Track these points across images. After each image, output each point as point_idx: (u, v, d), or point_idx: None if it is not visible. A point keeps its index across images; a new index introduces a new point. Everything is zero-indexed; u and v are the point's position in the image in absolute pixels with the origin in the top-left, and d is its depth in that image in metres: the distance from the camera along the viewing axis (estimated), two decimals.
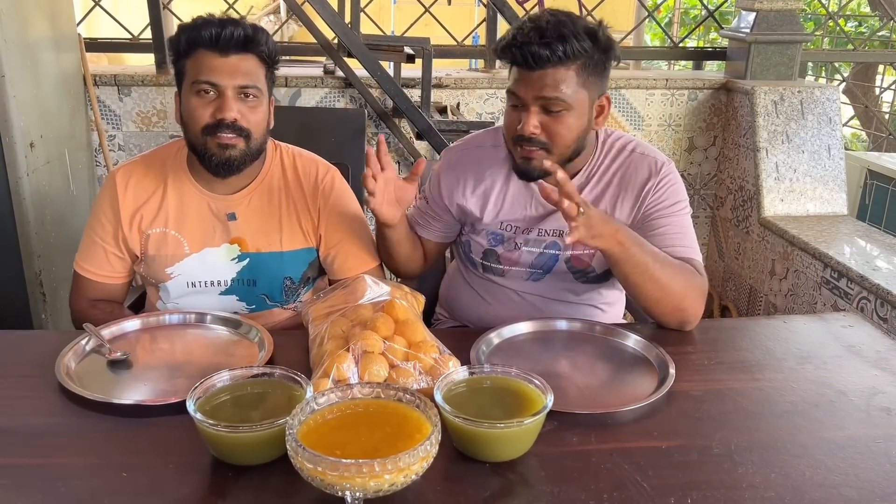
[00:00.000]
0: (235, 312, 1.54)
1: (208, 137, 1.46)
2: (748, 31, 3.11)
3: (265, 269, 1.60)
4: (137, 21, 3.12)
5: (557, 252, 1.58)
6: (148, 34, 3.00)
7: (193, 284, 1.59)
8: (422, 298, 1.37)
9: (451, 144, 1.78)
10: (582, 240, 1.31)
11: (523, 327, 1.44)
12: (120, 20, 3.17)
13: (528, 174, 1.50)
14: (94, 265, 1.60)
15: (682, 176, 3.29)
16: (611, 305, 1.70)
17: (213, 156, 1.47)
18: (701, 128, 3.25)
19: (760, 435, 1.09)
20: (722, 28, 3.48)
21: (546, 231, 1.58)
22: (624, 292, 1.74)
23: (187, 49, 1.46)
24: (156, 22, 2.85)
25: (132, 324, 1.43)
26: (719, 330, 1.51)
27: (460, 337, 1.35)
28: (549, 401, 1.01)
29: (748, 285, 3.05)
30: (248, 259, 1.59)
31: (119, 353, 1.30)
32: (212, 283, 1.60)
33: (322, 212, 1.62)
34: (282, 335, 1.38)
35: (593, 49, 1.41)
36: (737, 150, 3.12)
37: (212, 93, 1.44)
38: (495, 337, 1.38)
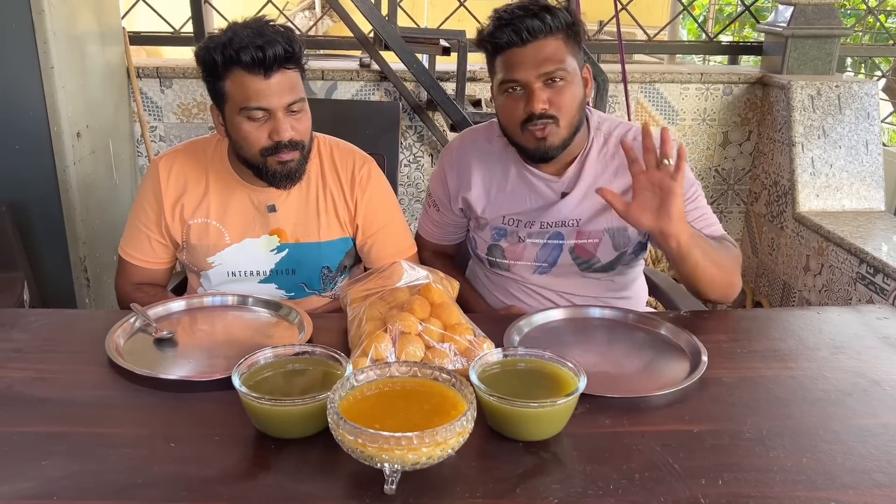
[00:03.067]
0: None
1: (268, 157, 1.48)
2: (785, 24, 3.08)
3: (303, 258, 1.64)
4: (175, 15, 3.19)
5: (561, 242, 1.59)
6: (188, 28, 3.06)
7: (234, 273, 1.64)
8: (456, 284, 1.39)
9: (447, 145, 1.80)
10: (664, 225, 1.34)
11: (556, 314, 1.46)
12: (161, 14, 3.25)
13: (544, 153, 1.50)
14: (139, 251, 1.65)
15: (715, 170, 3.29)
16: (626, 300, 1.69)
17: (275, 173, 1.50)
18: (736, 122, 3.23)
19: (792, 421, 1.09)
20: (758, 23, 3.45)
21: (548, 223, 1.58)
22: (644, 282, 1.76)
23: (224, 69, 1.42)
24: (197, 16, 2.91)
25: (177, 304, 1.48)
26: (752, 320, 1.51)
27: (494, 321, 1.37)
28: (581, 383, 1.03)
29: (782, 281, 3.03)
30: (286, 249, 1.63)
31: (165, 332, 1.35)
32: (252, 273, 1.64)
33: (359, 202, 1.65)
34: (320, 317, 1.42)
35: (569, 22, 1.45)
36: (772, 145, 3.10)
37: (262, 115, 1.44)
38: (528, 323, 1.40)
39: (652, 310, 1.81)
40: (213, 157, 1.62)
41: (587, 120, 1.58)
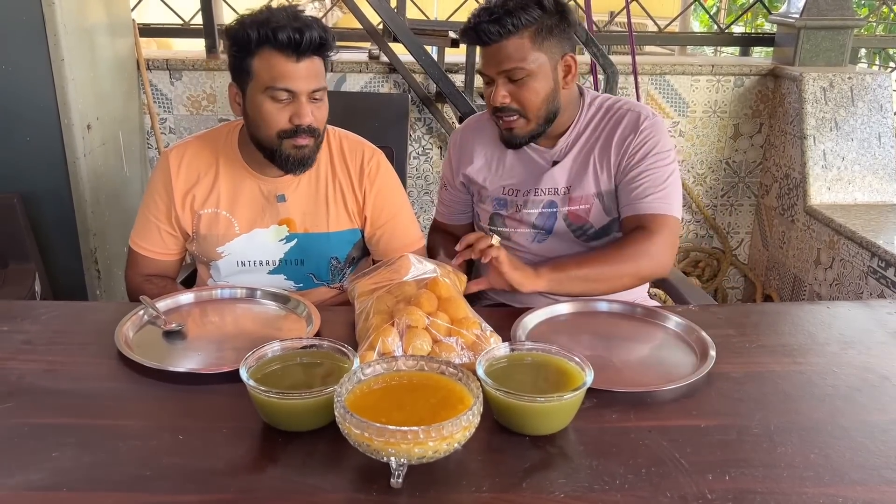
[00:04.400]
0: (284, 290, 1.58)
1: (284, 140, 1.49)
2: (798, 15, 3.06)
3: (312, 249, 1.65)
4: (185, 7, 3.20)
5: (555, 210, 1.65)
6: (198, 20, 3.06)
7: (243, 263, 1.65)
8: (464, 278, 1.39)
9: (454, 130, 1.90)
10: (515, 280, 1.43)
11: (563, 308, 1.46)
12: (170, 6, 3.25)
13: (510, 142, 1.63)
14: (149, 242, 1.66)
15: (726, 163, 3.27)
16: None
17: (288, 157, 1.51)
18: (747, 115, 3.20)
19: (801, 417, 1.09)
20: (770, 14, 3.42)
21: (542, 190, 1.66)
22: None
23: (256, 47, 1.44)
24: (206, 8, 2.91)
25: (186, 297, 1.48)
26: (761, 314, 1.50)
27: (501, 315, 1.37)
28: (588, 377, 1.03)
29: (792, 274, 3.01)
30: (295, 240, 1.64)
31: (174, 325, 1.36)
32: (261, 263, 1.65)
33: (368, 194, 1.66)
34: (328, 311, 1.42)
35: (543, 15, 1.51)
36: (783, 138, 3.08)
37: (286, 97, 1.46)
38: (536, 316, 1.40)
39: (659, 303, 1.82)
40: (223, 147, 1.63)
41: (581, 95, 1.67)
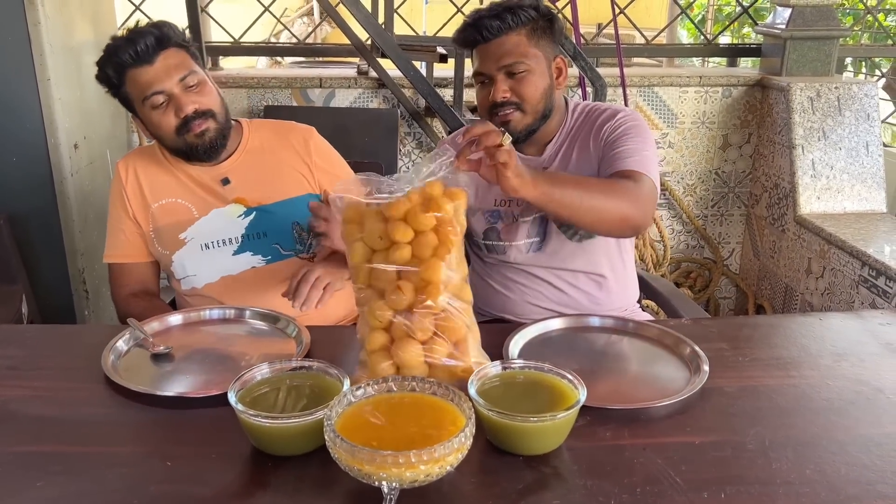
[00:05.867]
0: (254, 267, 1.68)
1: (184, 135, 1.58)
2: (784, 26, 3.08)
3: (272, 218, 1.71)
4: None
5: (545, 215, 1.65)
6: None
7: (207, 246, 1.69)
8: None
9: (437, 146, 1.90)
10: (513, 186, 1.30)
11: (555, 323, 1.45)
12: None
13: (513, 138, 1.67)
14: (119, 249, 1.73)
15: (716, 174, 3.29)
16: (619, 272, 1.76)
17: (196, 146, 1.60)
18: (735, 125, 3.22)
19: (795, 431, 1.08)
20: (757, 24, 3.44)
21: None
22: (634, 261, 1.84)
23: (119, 77, 1.57)
24: (194, 25, 2.90)
25: (174, 318, 1.47)
26: (754, 327, 1.50)
27: (492, 332, 1.36)
28: (582, 395, 1.02)
29: (784, 284, 3.02)
30: (253, 213, 1.70)
31: (162, 347, 1.34)
32: (224, 242, 1.69)
33: (313, 167, 1.74)
34: (318, 331, 1.41)
35: (537, 16, 1.60)
36: (772, 148, 3.09)
37: (162, 100, 1.56)
38: (527, 332, 1.40)
39: (651, 317, 1.81)
40: (163, 152, 1.71)
41: (566, 104, 1.72)
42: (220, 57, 3.26)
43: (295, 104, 2.99)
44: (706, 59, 4.58)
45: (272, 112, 2.91)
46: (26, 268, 2.35)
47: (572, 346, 1.39)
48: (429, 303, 1.10)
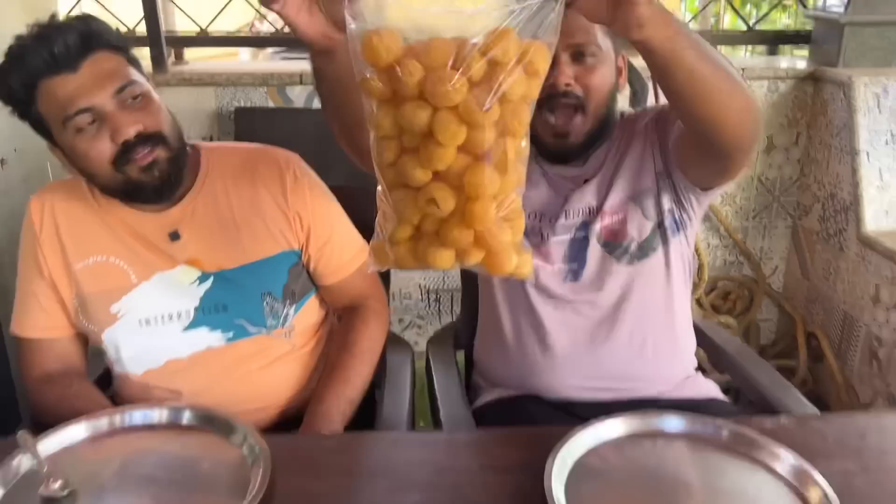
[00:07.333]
0: (210, 346, 1.30)
1: (125, 168, 1.19)
2: (842, 10, 2.64)
3: (236, 288, 1.30)
4: (133, 13, 2.74)
5: (586, 233, 1.38)
6: (142, 27, 2.61)
7: (147, 322, 1.29)
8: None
9: None
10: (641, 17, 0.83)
11: (616, 428, 1.05)
12: (115, 10, 2.80)
13: (564, 153, 1.36)
14: (31, 319, 1.31)
15: (758, 180, 2.86)
16: (672, 321, 1.44)
17: (142, 185, 1.22)
18: (782, 124, 2.79)
19: None
20: (805, 8, 3.01)
21: (574, 212, 1.40)
22: (689, 286, 1.47)
23: (27, 91, 1.17)
24: (151, 12, 2.46)
25: (79, 431, 1.05)
26: (881, 431, 1.09)
27: (531, 439, 0.97)
28: None
29: (842, 311, 2.60)
30: (210, 279, 1.28)
31: (57, 486, 0.93)
32: (171, 317, 1.29)
33: (301, 211, 1.33)
34: (286, 444, 1.00)
35: None
36: (826, 152, 2.67)
37: (91, 119, 1.17)
38: (578, 445, 1.00)
39: (715, 385, 1.44)
40: (92, 187, 1.31)
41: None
42: (186, 49, 2.81)
43: (272, 105, 2.55)
44: (748, 48, 4.09)
45: (243, 116, 2.47)
46: None
47: (638, 466, 0.99)
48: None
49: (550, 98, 1.27)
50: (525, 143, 0.80)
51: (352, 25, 0.76)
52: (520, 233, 0.83)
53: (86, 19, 1.21)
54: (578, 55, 1.27)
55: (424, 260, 0.80)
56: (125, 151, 1.18)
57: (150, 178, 1.21)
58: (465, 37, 0.73)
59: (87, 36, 1.18)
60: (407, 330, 2.91)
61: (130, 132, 1.17)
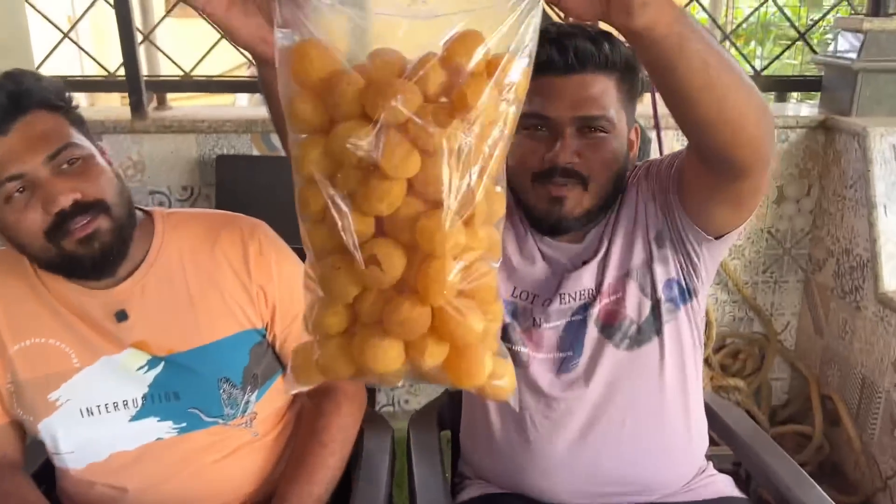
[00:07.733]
0: (160, 438, 1.16)
1: (61, 241, 1.07)
2: (854, 56, 2.52)
3: (188, 373, 1.17)
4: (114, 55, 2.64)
5: (585, 316, 1.22)
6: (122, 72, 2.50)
7: (90, 412, 1.16)
8: None
9: None
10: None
11: None
12: (98, 54, 2.70)
13: (557, 224, 1.18)
14: None
15: (768, 232, 2.72)
16: (681, 401, 1.28)
17: (79, 258, 1.09)
18: (793, 175, 2.66)
19: None
20: (815, 53, 2.90)
21: (571, 295, 1.23)
22: (700, 360, 1.34)
23: None
24: (129, 56, 2.36)
25: None
26: None
27: None
28: None
29: (860, 374, 2.44)
30: (161, 364, 1.15)
31: None
32: (116, 406, 1.16)
33: (266, 281, 1.20)
34: None
35: (629, 62, 1.13)
36: (840, 204, 2.52)
37: (20, 187, 1.06)
38: None
39: (730, 481, 1.29)
40: (25, 261, 1.19)
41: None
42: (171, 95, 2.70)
43: (255, 153, 2.43)
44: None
45: (224, 163, 2.35)
46: None
47: None
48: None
49: (550, 172, 1.14)
50: (500, 189, 0.64)
51: (282, 40, 0.62)
52: (496, 322, 0.66)
53: (16, 77, 1.09)
54: (586, 129, 1.13)
55: (361, 359, 0.62)
56: (60, 222, 1.06)
57: (90, 250, 1.09)
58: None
59: (17, 96, 1.07)
60: (390, 404, 2.76)
61: (66, 201, 1.06)
